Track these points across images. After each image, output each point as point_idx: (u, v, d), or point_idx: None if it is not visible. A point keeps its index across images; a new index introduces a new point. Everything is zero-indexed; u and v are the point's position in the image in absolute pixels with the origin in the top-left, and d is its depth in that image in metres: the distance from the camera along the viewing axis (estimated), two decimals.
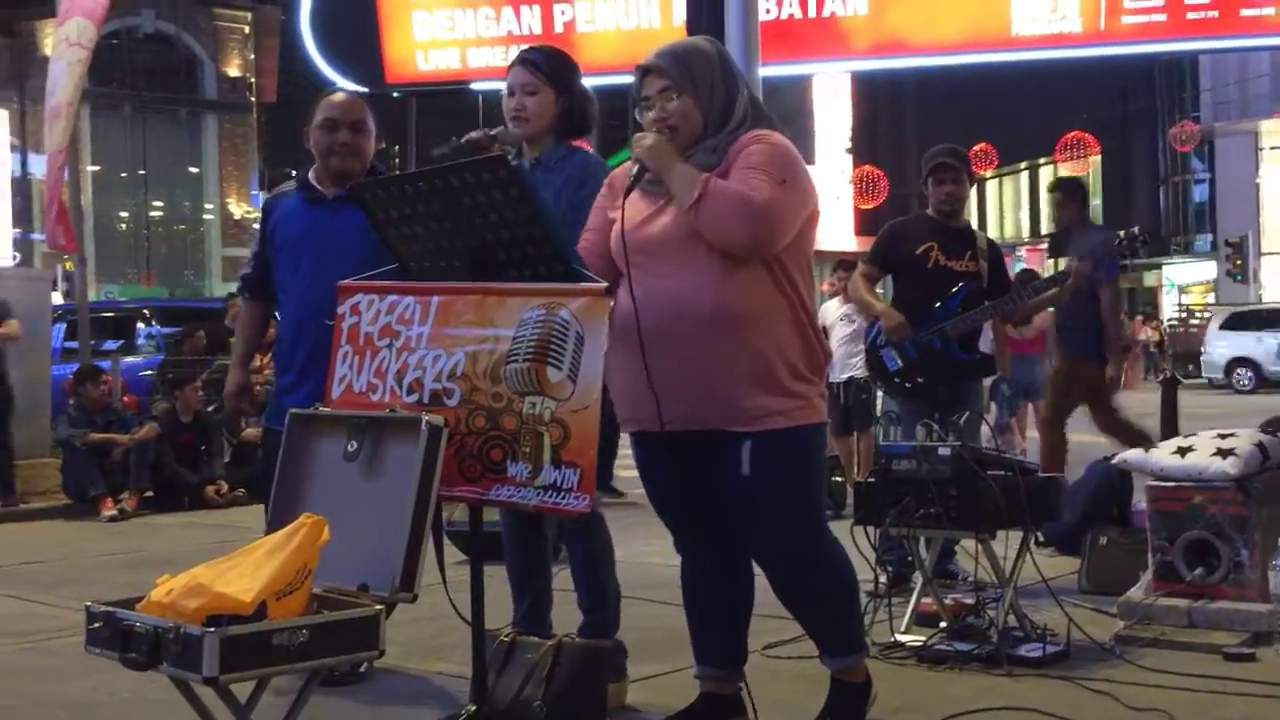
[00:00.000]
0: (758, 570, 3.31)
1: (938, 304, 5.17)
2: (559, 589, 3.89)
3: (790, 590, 3.24)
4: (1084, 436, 9.44)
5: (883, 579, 4.69)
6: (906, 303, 5.29)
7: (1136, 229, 5.52)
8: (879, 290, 5.72)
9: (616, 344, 3.08)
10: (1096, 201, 42.19)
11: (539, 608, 3.78)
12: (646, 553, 5.93)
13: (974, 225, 5.71)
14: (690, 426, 3.12)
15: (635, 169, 3.15)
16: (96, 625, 2.68)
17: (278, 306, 4.29)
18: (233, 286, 30.90)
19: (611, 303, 2.97)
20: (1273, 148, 33.89)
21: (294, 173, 4.72)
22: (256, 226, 4.52)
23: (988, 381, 7.83)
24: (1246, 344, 25.08)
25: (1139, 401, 9.82)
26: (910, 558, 4.71)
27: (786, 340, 3.11)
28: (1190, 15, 16.87)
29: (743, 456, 3.08)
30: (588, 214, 3.49)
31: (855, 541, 4.47)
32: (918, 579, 4.49)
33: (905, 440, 5.18)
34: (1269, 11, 16.18)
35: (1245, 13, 16.58)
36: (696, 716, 3.34)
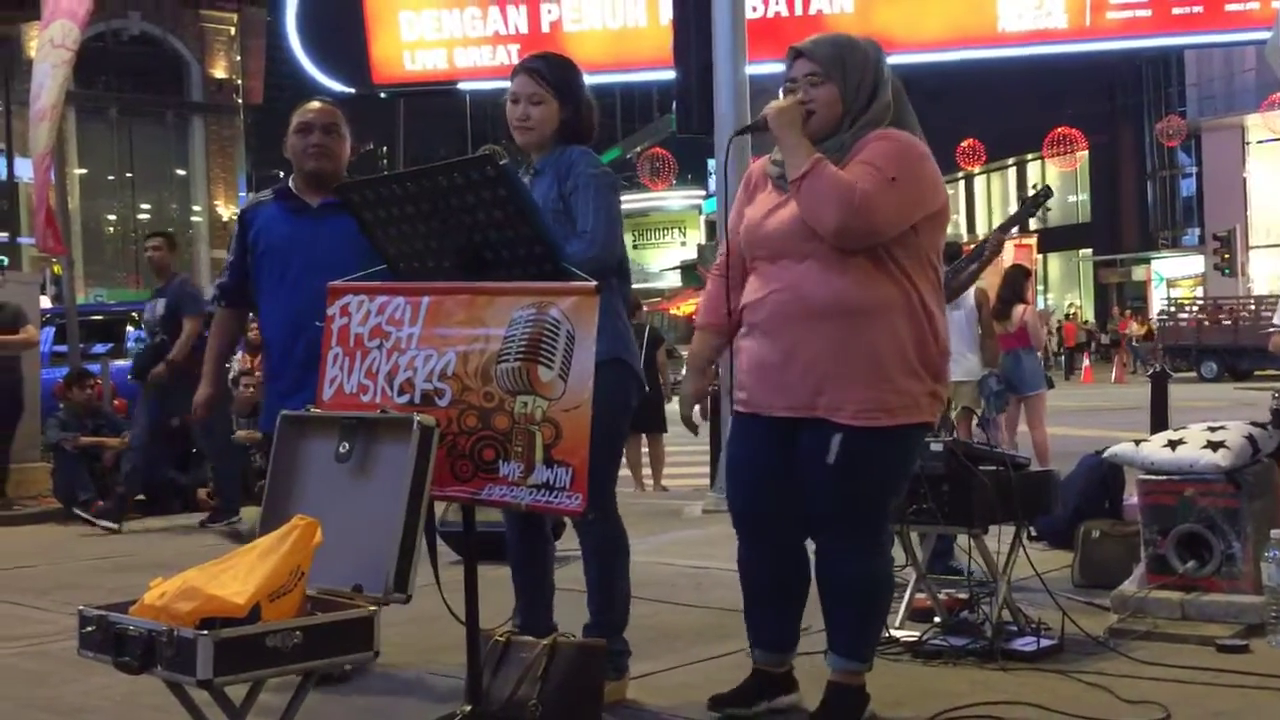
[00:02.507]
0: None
1: None
2: (566, 588, 3.91)
3: (833, 579, 3.27)
4: (1073, 430, 9.46)
5: None
6: None
7: (1041, 187, 5.46)
8: None
9: (747, 330, 3.26)
10: (1085, 197, 42.33)
11: (540, 605, 3.79)
12: (638, 550, 5.93)
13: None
14: (795, 414, 3.19)
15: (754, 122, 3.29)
16: (89, 629, 2.67)
17: (256, 314, 4.35)
18: None
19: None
20: (1259, 142, 33.98)
21: (281, 174, 4.75)
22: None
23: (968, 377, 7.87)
24: None
25: (1126, 395, 9.85)
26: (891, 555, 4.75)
27: (902, 334, 3.16)
28: (1175, 10, 16.94)
29: (832, 446, 3.14)
30: (576, 208, 3.54)
31: None
32: (911, 575, 4.49)
33: None
34: (1253, 6, 16.23)
35: (1230, 8, 16.65)
36: (749, 694, 3.38)
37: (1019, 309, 9.02)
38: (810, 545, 3.36)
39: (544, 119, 3.66)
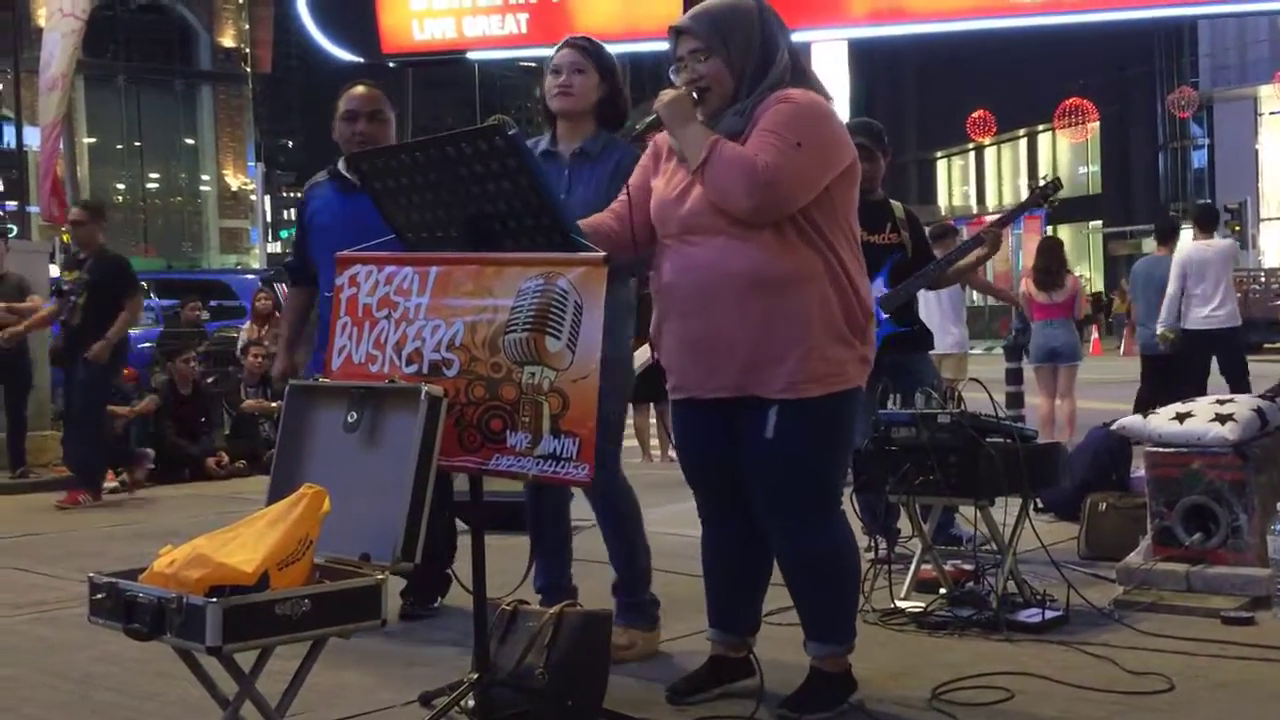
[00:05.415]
0: None
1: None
2: (580, 559, 4.05)
3: (790, 560, 3.25)
4: (1082, 402, 9.47)
5: (883, 546, 4.70)
6: None
7: (1050, 175, 5.50)
8: None
9: (665, 313, 3.18)
10: (1095, 168, 42.12)
11: (560, 564, 3.95)
12: (651, 520, 5.95)
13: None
14: (727, 394, 3.14)
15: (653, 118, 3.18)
16: (99, 596, 2.69)
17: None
18: (231, 259, 30.92)
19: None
20: (1271, 113, 33.79)
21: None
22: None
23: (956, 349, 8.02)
24: None
25: (1134, 367, 9.83)
26: (898, 527, 4.80)
27: (827, 302, 3.09)
28: None
29: (769, 420, 3.09)
30: None
31: (855, 508, 4.50)
32: (917, 546, 4.50)
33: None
34: None
35: None
36: (706, 678, 3.37)
37: (1070, 278, 9.10)
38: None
39: (585, 88, 3.77)
